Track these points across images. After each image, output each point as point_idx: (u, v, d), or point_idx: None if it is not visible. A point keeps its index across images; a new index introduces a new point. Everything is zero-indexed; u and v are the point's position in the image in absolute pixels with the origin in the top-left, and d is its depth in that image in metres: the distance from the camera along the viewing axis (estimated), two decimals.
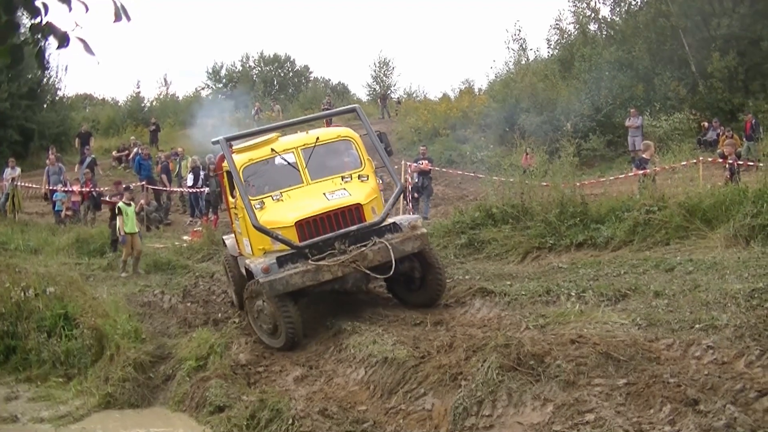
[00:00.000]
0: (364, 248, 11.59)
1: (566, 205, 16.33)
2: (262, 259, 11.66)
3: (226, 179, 13.58)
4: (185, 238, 22.73)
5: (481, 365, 8.57)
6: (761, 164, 15.75)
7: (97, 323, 12.76)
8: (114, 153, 37.84)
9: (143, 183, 27.51)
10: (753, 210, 13.37)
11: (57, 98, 43.76)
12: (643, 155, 18.58)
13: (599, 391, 7.69)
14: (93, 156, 31.68)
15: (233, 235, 14.36)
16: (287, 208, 12.05)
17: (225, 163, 13.07)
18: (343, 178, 12.67)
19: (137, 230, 18.22)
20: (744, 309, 9.56)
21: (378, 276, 11.79)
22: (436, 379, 9.03)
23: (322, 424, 8.86)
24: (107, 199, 21.58)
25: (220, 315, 14.13)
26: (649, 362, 8.30)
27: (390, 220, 12.23)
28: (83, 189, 25.72)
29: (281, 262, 11.46)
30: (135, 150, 33.07)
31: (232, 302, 14.56)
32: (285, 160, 12.68)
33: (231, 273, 14.40)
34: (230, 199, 13.56)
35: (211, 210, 24.89)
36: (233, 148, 12.94)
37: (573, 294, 11.61)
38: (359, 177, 12.80)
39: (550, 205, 16.52)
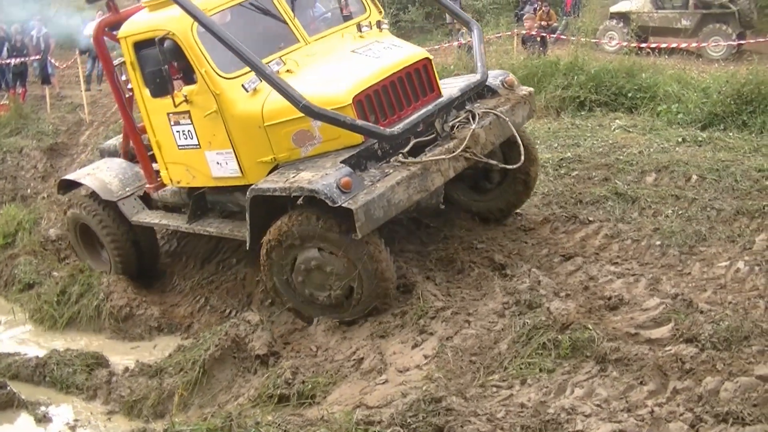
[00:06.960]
0: (468, 125, 7.53)
1: None
2: (313, 174, 6.82)
3: (132, 66, 8.09)
4: None
5: None
6: (573, 38, 16.18)
7: None
8: None
9: None
10: (564, 82, 13.79)
11: None
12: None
13: (409, 258, 7.80)
14: None
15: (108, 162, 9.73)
16: (319, 80, 7.36)
17: (126, 34, 8.01)
18: (358, 27, 8.29)
19: None
20: (552, 177, 9.95)
21: (507, 166, 7.85)
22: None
23: (134, 295, 8.85)
24: None
25: (29, 191, 13.50)
26: (459, 230, 8.49)
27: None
28: None
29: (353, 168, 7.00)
30: None
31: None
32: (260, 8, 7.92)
33: (109, 233, 9.23)
34: (144, 93, 8.08)
35: (18, 82, 23.38)
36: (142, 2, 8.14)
37: None
38: (378, 24, 8.43)
39: None
